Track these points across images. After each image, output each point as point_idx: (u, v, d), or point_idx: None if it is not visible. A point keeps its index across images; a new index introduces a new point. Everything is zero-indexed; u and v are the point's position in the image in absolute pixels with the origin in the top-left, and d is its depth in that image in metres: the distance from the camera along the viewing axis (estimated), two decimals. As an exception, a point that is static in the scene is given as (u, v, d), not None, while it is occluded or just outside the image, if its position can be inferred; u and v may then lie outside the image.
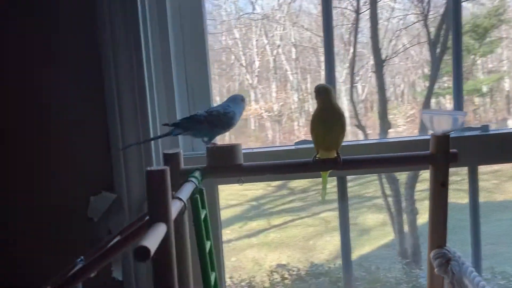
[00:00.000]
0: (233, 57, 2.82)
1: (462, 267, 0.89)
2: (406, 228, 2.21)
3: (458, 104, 1.23)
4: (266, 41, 2.85)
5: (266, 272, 2.27)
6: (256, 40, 2.85)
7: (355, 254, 2.37)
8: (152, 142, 1.17)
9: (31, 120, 1.24)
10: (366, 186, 2.40)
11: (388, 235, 2.25)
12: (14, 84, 1.23)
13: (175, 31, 1.25)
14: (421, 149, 1.00)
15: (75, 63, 1.21)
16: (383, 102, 1.79)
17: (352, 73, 2.03)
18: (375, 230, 2.38)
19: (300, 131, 2.88)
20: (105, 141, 1.19)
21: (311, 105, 2.75)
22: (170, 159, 0.99)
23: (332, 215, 2.53)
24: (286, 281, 2.24)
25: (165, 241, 0.64)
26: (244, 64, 2.87)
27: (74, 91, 1.21)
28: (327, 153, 1.02)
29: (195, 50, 1.27)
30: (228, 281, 2.19)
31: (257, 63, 2.88)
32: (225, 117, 1.11)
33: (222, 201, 1.29)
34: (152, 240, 0.59)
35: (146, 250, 0.55)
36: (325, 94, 1.00)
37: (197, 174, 0.96)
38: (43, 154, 1.24)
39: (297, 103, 2.92)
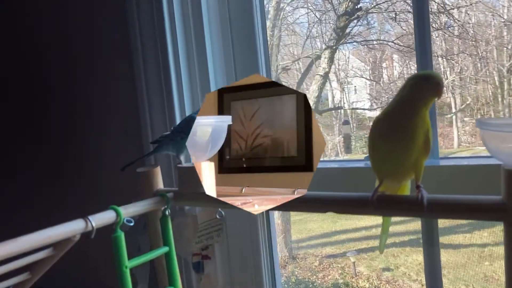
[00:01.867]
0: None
1: None
2: None
3: None
4: None
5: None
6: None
7: None
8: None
9: (66, 121, 1.27)
10: None
11: None
12: (47, 88, 1.28)
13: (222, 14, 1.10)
14: None
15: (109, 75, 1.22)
16: None
17: None
18: None
19: None
20: (139, 143, 1.12)
21: None
22: (141, 178, 0.88)
23: None
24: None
25: None
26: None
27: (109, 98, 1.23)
28: (395, 184, 0.69)
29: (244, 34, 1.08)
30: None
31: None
32: (186, 122, 0.87)
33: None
34: None
35: None
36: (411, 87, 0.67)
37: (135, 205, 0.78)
38: (73, 157, 1.24)
39: None
